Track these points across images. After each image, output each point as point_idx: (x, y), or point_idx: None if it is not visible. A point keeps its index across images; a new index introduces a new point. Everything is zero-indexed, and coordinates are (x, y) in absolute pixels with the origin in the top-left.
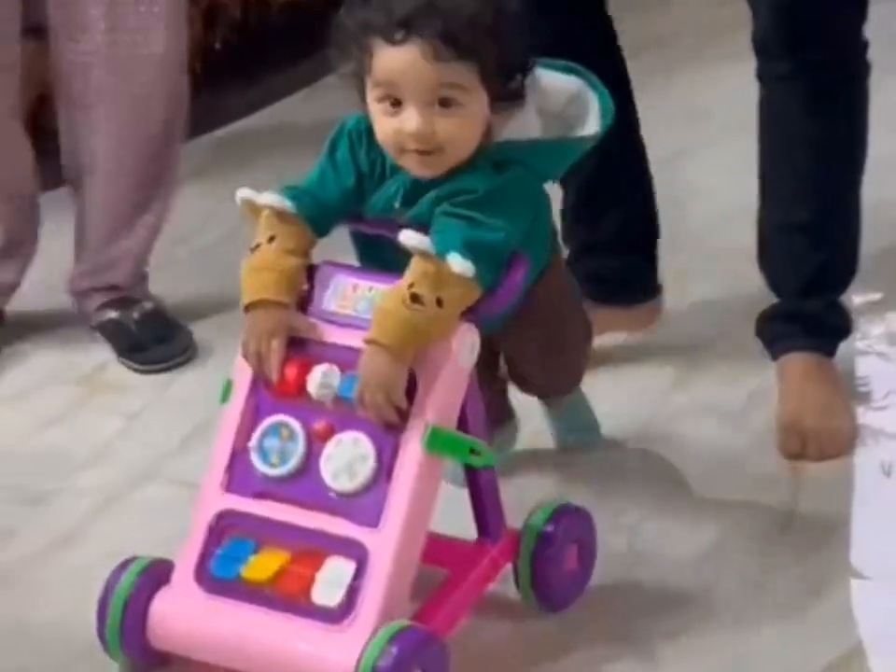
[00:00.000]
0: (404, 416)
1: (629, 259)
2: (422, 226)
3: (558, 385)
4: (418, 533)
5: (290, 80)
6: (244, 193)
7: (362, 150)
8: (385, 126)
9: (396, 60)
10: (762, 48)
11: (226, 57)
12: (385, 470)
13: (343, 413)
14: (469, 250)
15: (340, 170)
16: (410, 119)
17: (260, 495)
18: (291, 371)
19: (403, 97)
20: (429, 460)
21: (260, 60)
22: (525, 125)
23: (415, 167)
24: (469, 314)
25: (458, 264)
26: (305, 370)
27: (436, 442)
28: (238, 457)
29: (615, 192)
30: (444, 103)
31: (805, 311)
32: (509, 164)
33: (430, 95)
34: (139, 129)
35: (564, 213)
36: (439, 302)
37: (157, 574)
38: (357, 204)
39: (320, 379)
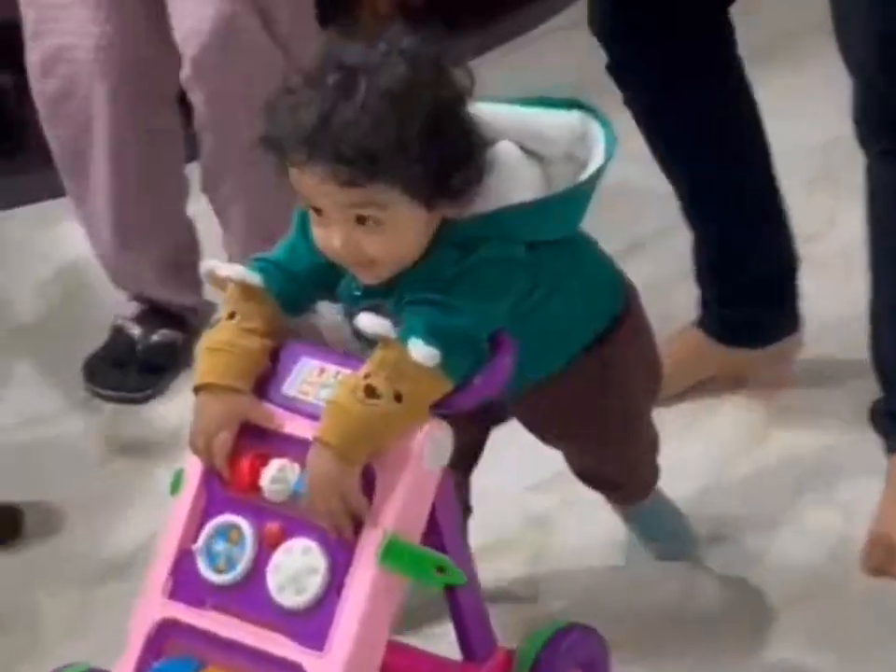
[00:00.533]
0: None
1: (773, 303)
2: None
3: (622, 488)
4: (369, 659)
5: None
6: (207, 264)
7: None
8: (318, 235)
9: (302, 181)
10: (859, 120)
11: None
12: (335, 586)
13: (297, 515)
14: (435, 336)
15: (311, 242)
16: (333, 235)
17: (205, 604)
18: (244, 464)
19: (323, 212)
20: (385, 577)
21: None
22: (504, 192)
23: (359, 275)
24: (441, 407)
25: (420, 351)
26: (260, 463)
27: (393, 557)
28: (184, 559)
29: (756, 240)
30: (362, 220)
31: None
32: (478, 242)
33: (345, 214)
34: None
35: (699, 268)
36: (398, 397)
37: None
38: (331, 280)
39: (273, 475)
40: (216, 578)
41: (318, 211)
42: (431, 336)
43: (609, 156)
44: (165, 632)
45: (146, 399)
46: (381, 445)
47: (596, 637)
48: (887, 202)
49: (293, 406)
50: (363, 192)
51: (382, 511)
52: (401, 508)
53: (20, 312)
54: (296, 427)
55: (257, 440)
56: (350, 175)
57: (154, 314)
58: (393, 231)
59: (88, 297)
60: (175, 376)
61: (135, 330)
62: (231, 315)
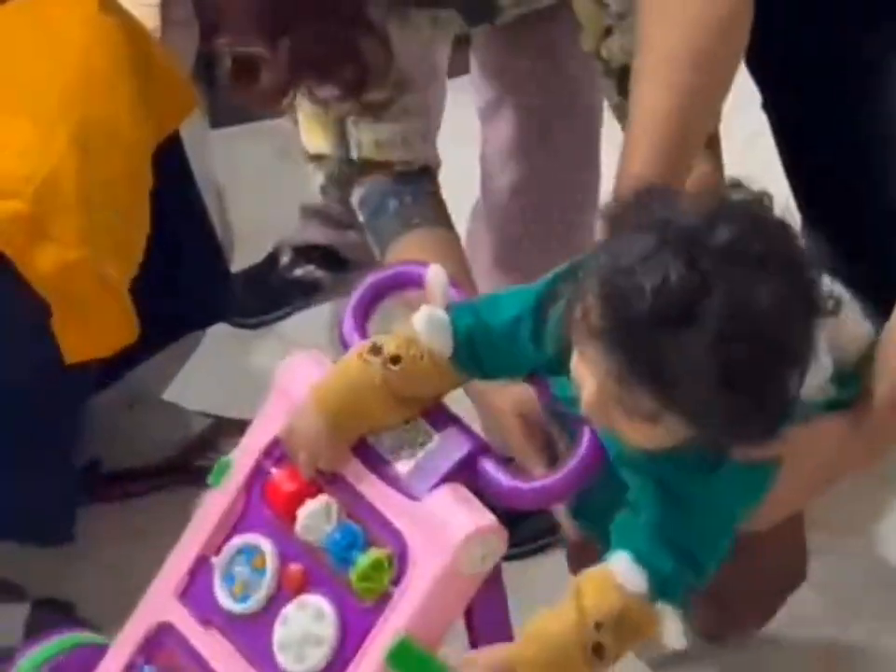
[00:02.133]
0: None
1: None
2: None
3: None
4: None
5: None
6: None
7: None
8: (575, 364)
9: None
10: None
11: None
12: (339, 666)
13: (322, 567)
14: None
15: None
16: (586, 383)
17: (210, 623)
18: (291, 485)
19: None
20: None
21: None
22: None
23: None
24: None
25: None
26: (308, 493)
27: (399, 658)
28: (202, 567)
29: None
30: None
31: None
32: None
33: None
34: None
35: None
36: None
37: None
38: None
39: (313, 509)
40: (227, 602)
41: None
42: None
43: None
44: (162, 637)
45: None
46: None
47: None
48: None
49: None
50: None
51: (400, 608)
52: (425, 607)
53: None
54: (352, 471)
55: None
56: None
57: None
58: (654, 435)
59: None
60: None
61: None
62: (395, 360)
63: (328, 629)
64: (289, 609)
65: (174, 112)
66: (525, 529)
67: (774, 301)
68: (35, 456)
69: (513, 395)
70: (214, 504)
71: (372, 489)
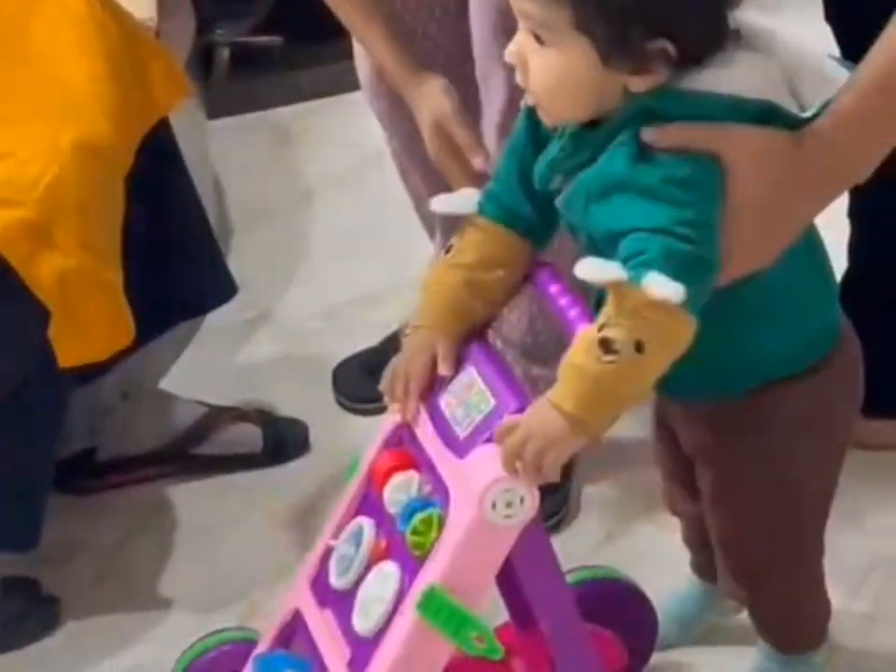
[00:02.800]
0: None
1: None
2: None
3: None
4: None
5: None
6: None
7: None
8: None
9: None
10: None
11: None
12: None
13: (396, 535)
14: (675, 266)
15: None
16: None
17: (324, 604)
18: (383, 464)
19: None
20: (422, 627)
21: None
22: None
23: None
24: None
25: (662, 288)
26: (399, 467)
27: (431, 609)
28: (327, 554)
29: None
30: (538, 39)
31: None
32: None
33: (525, 26)
34: None
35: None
36: (638, 347)
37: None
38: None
39: (397, 484)
40: (335, 581)
41: None
42: (670, 267)
43: None
44: (295, 623)
45: None
46: (625, 407)
47: None
48: None
49: (435, 417)
50: (536, 5)
51: (436, 560)
52: (450, 562)
53: None
54: (431, 442)
55: (408, 439)
56: None
57: None
58: (556, 64)
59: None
60: None
61: None
62: (448, 250)
63: (390, 588)
64: (369, 577)
65: (164, 100)
66: None
67: None
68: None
69: (429, 106)
70: (344, 496)
71: (437, 453)
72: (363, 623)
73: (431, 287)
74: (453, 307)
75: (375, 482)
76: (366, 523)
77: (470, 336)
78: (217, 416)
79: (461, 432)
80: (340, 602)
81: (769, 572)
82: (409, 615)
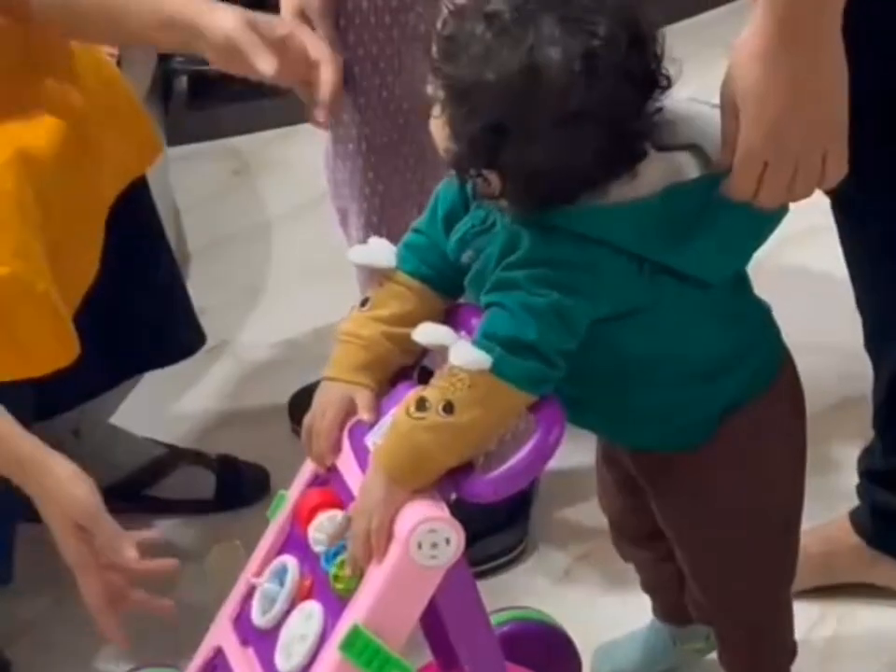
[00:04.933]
0: None
1: None
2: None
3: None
4: None
5: None
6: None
7: None
8: None
9: None
10: None
11: None
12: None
13: (321, 574)
14: (490, 338)
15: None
16: None
17: (246, 642)
18: (309, 503)
19: None
20: (345, 667)
21: None
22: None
23: None
24: (458, 493)
25: (465, 356)
26: (322, 506)
27: (353, 647)
28: (252, 589)
29: None
30: None
31: None
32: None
33: None
34: None
35: (877, 410)
36: (447, 408)
37: None
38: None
39: (321, 523)
40: (257, 619)
41: None
42: (486, 338)
43: None
44: (216, 661)
45: None
46: (434, 466)
47: None
48: None
49: (360, 457)
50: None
51: (358, 598)
52: (374, 603)
53: None
54: (354, 480)
55: (333, 479)
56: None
57: None
58: (438, 135)
59: None
60: None
61: None
62: (364, 303)
63: (313, 627)
64: (292, 616)
65: (140, 158)
66: (493, 545)
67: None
68: None
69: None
70: (267, 533)
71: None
72: (286, 662)
73: (347, 339)
74: (374, 358)
75: (300, 520)
76: (290, 561)
77: (395, 377)
78: (175, 458)
79: None
80: (262, 640)
81: (738, 601)
82: (332, 655)
